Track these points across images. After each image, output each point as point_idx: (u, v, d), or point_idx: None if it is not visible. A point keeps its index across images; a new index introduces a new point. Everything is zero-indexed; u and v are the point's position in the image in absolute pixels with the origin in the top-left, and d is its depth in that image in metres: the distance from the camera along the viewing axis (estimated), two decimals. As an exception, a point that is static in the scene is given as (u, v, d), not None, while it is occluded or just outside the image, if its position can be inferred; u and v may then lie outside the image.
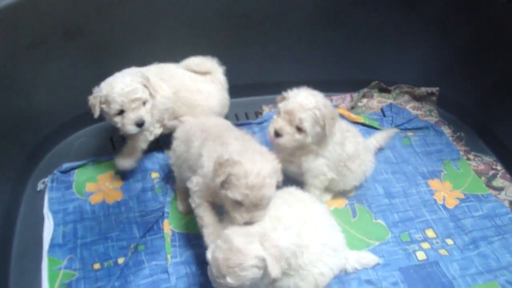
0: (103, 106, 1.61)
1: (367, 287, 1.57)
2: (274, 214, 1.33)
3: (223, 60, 1.95)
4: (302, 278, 1.41)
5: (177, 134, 1.67)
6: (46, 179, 1.83)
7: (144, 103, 1.63)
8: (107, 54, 1.96)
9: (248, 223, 1.29)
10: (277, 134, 1.53)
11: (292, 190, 1.52)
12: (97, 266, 1.58)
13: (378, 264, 1.63)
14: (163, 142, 1.94)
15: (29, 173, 1.87)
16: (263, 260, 1.20)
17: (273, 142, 1.56)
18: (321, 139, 1.58)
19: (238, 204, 1.27)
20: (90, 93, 1.62)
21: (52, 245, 1.63)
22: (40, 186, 1.82)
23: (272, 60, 2.23)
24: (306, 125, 1.50)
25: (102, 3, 1.83)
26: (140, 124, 1.62)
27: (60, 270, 1.56)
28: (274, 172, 1.30)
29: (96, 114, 1.62)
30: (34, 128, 1.89)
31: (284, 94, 1.58)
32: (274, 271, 1.20)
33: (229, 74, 1.99)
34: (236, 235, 1.24)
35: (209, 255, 1.26)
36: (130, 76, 1.61)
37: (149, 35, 1.99)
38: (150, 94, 1.67)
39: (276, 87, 1.82)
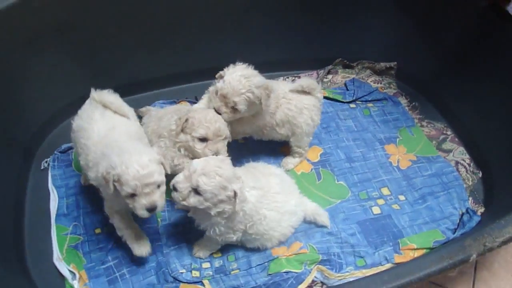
0: (116, 184, 1.44)
1: (328, 238, 1.84)
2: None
3: (197, 46, 2.18)
4: (267, 240, 1.72)
5: None
6: (48, 159, 2.06)
7: (159, 186, 1.47)
8: (101, 43, 2.16)
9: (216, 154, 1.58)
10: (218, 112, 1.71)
11: (256, 165, 1.81)
12: (98, 230, 1.83)
13: (326, 227, 1.88)
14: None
15: (33, 154, 2.09)
16: (235, 192, 1.46)
17: None
18: (258, 110, 1.78)
19: (204, 140, 1.60)
20: (84, 82, 1.86)
21: (58, 215, 1.87)
22: (43, 165, 2.04)
23: (245, 43, 2.41)
24: (240, 107, 1.68)
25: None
26: (151, 209, 1.47)
27: (67, 235, 1.81)
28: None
29: (111, 190, 1.45)
30: (35, 114, 2.10)
31: (221, 72, 1.72)
32: (238, 206, 1.48)
33: (202, 59, 2.24)
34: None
35: (180, 177, 1.50)
36: (148, 155, 1.45)
37: (140, 28, 2.19)
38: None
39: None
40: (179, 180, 1.48)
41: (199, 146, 1.65)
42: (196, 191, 1.45)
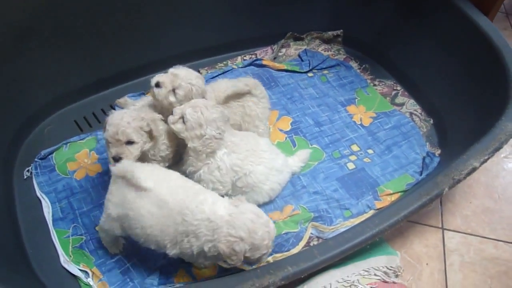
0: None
1: (315, 197, 2.01)
2: (233, 141, 1.78)
3: (155, 36, 2.33)
4: (257, 193, 1.88)
5: None
6: (30, 167, 2.05)
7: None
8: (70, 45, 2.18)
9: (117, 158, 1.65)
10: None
11: (248, 133, 1.93)
12: (98, 227, 1.87)
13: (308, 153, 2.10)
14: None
15: (12, 164, 2.07)
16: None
17: None
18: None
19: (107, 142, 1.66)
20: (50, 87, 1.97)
21: (55, 220, 1.89)
22: (26, 174, 2.04)
23: (200, 29, 2.50)
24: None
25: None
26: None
27: (69, 237, 1.84)
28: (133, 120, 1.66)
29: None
30: (6, 124, 2.08)
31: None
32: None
33: (162, 48, 2.35)
34: None
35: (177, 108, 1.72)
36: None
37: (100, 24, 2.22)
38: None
39: (208, 51, 2.17)
40: (177, 109, 1.72)
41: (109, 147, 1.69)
42: (183, 119, 1.68)
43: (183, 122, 1.68)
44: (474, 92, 2.22)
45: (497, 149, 1.81)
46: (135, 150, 1.66)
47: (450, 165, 1.79)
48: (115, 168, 1.56)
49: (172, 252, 1.56)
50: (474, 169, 1.77)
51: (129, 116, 1.65)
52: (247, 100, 1.98)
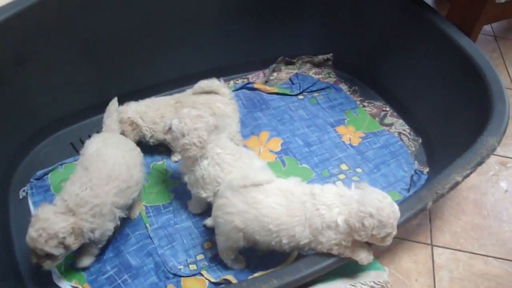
0: None
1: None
2: (218, 153, 1.86)
3: (147, 58, 2.42)
4: None
5: None
6: (25, 187, 2.11)
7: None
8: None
9: None
10: None
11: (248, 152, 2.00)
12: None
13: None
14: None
15: (8, 184, 2.12)
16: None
17: None
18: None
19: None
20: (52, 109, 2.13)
21: (51, 238, 1.94)
22: (21, 194, 2.09)
23: (193, 54, 2.59)
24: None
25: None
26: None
27: (64, 255, 1.88)
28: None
29: None
30: (4, 145, 2.14)
31: None
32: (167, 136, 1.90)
33: (157, 73, 2.43)
34: None
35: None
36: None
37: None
38: None
39: (201, 76, 2.25)
40: (167, 119, 1.91)
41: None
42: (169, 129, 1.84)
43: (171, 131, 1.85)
44: (458, 110, 2.28)
45: (479, 163, 1.85)
46: (55, 262, 1.64)
47: (434, 180, 1.83)
48: (235, 183, 1.66)
49: (303, 235, 1.59)
50: (457, 184, 1.80)
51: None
52: (215, 101, 2.12)
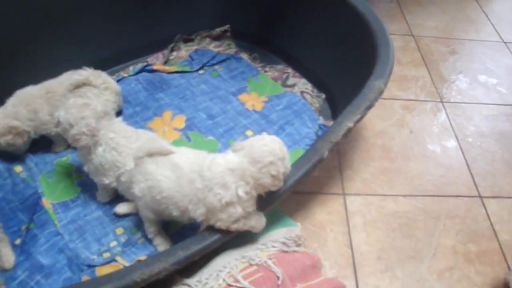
0: None
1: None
2: (112, 138, 1.83)
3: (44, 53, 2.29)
4: None
5: None
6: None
7: None
8: None
9: None
10: None
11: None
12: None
13: None
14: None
15: None
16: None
17: None
18: None
19: None
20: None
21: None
22: None
23: (84, 43, 2.51)
24: None
25: None
26: None
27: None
28: None
29: None
30: None
31: None
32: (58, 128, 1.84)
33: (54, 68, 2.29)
34: None
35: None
36: None
37: None
38: None
39: (97, 64, 2.19)
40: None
41: None
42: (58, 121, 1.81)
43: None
44: (351, 61, 2.36)
45: (369, 107, 1.91)
46: None
47: (328, 130, 1.86)
48: (138, 150, 1.68)
49: (197, 213, 1.56)
50: (349, 130, 1.84)
51: None
52: (85, 92, 2.02)
